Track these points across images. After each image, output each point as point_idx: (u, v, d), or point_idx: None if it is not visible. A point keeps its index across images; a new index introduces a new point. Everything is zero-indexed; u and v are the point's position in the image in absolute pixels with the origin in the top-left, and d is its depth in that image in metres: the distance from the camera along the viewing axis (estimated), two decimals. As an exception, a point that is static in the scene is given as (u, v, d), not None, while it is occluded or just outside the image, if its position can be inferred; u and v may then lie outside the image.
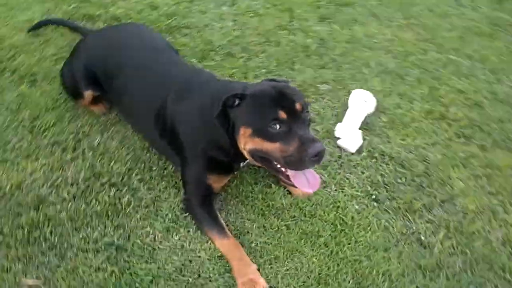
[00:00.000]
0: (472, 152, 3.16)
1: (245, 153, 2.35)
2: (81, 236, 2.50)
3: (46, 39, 3.77)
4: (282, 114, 2.18)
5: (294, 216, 2.67)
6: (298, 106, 2.23)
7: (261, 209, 2.69)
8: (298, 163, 2.18)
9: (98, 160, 2.86)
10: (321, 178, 2.73)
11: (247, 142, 2.29)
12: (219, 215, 2.57)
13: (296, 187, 2.34)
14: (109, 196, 2.68)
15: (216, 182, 2.60)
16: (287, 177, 2.32)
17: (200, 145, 2.52)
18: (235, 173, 2.76)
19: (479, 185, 2.96)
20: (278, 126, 2.18)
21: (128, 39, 3.03)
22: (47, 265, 2.38)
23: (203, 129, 2.48)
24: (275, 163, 2.31)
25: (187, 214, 2.63)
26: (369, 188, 2.86)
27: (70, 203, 2.64)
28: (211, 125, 2.40)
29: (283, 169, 2.30)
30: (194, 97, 2.56)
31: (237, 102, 2.30)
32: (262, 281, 2.34)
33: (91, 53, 3.00)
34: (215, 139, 2.44)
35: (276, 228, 2.60)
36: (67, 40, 3.72)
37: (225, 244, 2.46)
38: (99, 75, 2.94)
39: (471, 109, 3.52)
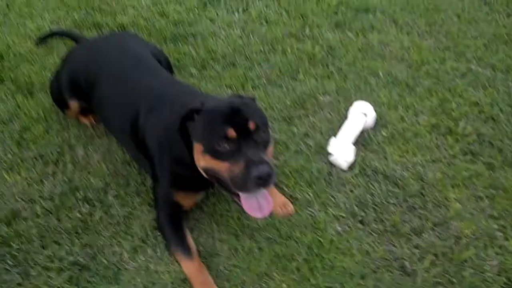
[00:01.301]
0: (477, 171, 2.92)
1: (201, 171, 2.22)
2: (47, 254, 2.43)
3: (50, 48, 3.77)
4: (231, 133, 2.04)
5: (269, 238, 2.53)
6: (251, 125, 2.07)
7: (235, 229, 2.56)
8: (243, 185, 2.02)
9: (78, 174, 2.80)
10: (295, 199, 2.63)
11: (199, 159, 2.16)
12: (189, 235, 2.46)
13: (241, 206, 2.18)
14: (81, 212, 2.61)
15: (184, 199, 2.49)
16: (239, 199, 2.16)
17: (166, 160, 2.42)
18: (211, 190, 2.63)
19: (479, 208, 2.72)
20: (226, 145, 2.05)
21: (109, 48, 2.96)
22: (8, 283, 2.33)
23: (168, 143, 2.37)
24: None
25: (159, 232, 2.52)
26: (356, 208, 2.68)
27: (42, 219, 2.58)
28: (174, 140, 2.29)
29: (236, 191, 2.13)
30: (162, 110, 2.46)
31: (195, 117, 2.18)
32: None
33: (76, 63, 2.96)
34: (179, 155, 2.32)
35: (248, 250, 2.47)
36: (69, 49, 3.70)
37: (189, 266, 2.35)
38: (83, 85, 2.88)
39: (484, 124, 3.27)
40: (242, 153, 2.03)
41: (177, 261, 2.40)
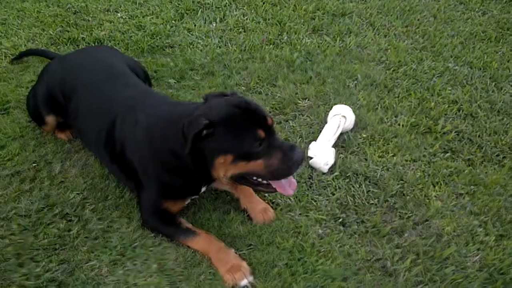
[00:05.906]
0: (457, 168, 2.93)
1: (223, 180, 2.30)
2: (23, 272, 2.38)
3: (26, 66, 3.73)
4: (261, 133, 2.16)
5: (250, 245, 2.50)
6: (269, 121, 2.22)
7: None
8: (285, 172, 2.23)
9: (55, 190, 2.76)
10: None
11: (228, 170, 2.22)
12: (182, 220, 2.54)
13: (276, 191, 2.34)
14: (58, 228, 2.57)
15: (173, 206, 2.51)
16: (267, 186, 2.31)
17: (153, 171, 2.43)
18: (195, 197, 2.64)
19: (460, 204, 2.73)
20: (260, 145, 2.16)
21: (85, 61, 2.95)
22: (-17, 304, 2.29)
23: (156, 155, 2.38)
24: (254, 178, 2.29)
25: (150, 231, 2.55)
26: (337, 210, 2.67)
27: (18, 236, 2.54)
28: (165, 153, 2.33)
29: (264, 182, 2.30)
30: (143, 122, 2.45)
31: (205, 132, 2.14)
32: (244, 264, 2.34)
33: (52, 77, 2.94)
34: (172, 166, 2.36)
35: (229, 258, 2.44)
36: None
37: (197, 242, 2.42)
38: (60, 99, 2.87)
39: (463, 121, 3.29)
40: (274, 146, 2.19)
41: (184, 245, 2.46)
